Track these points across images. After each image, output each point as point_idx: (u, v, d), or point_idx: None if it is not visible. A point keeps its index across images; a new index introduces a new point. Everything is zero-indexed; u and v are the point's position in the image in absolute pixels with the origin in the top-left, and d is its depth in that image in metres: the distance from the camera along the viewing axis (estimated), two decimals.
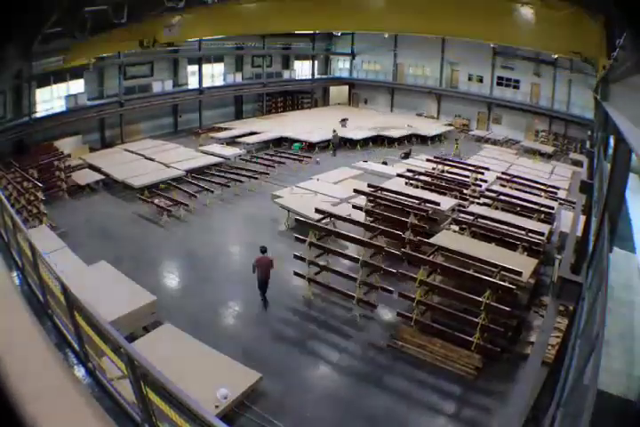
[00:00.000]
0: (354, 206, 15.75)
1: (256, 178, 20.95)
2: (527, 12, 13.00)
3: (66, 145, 24.18)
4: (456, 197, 16.94)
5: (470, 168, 20.22)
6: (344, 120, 31.72)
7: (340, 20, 18.22)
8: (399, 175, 19.03)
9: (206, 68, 33.01)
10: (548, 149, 30.09)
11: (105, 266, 11.85)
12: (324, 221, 14.06)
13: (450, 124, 34.79)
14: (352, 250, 13.78)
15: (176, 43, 26.17)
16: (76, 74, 26.10)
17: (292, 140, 28.33)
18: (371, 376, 9.82)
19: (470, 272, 10.86)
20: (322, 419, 8.68)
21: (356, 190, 16.87)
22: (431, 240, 12.41)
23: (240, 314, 12.03)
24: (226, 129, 29.97)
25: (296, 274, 12.69)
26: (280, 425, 8.19)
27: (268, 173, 21.62)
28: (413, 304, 10.84)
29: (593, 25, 11.05)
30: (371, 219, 14.93)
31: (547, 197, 17.80)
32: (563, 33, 12.25)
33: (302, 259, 12.56)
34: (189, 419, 4.25)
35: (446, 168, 21.05)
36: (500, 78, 33.70)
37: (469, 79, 35.30)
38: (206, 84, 32.94)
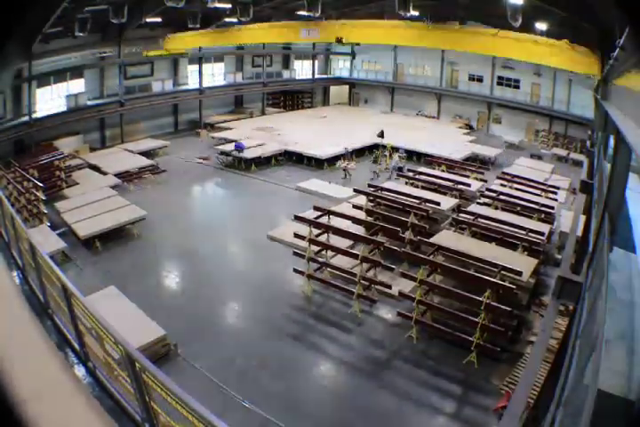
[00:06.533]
0: (354, 206, 15.74)
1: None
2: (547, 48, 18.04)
3: (66, 145, 24.18)
4: (456, 197, 16.94)
5: (471, 168, 20.23)
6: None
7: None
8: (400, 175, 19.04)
9: (206, 67, 33.00)
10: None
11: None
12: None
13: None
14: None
15: None
16: (76, 73, 26.11)
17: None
18: (370, 371, 9.84)
19: (470, 272, 10.87)
20: (323, 415, 8.71)
21: (356, 190, 16.87)
22: (431, 240, 12.42)
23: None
24: (226, 129, 29.90)
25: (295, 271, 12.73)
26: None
27: None
28: (414, 304, 10.85)
29: (590, 54, 15.75)
30: (371, 218, 14.93)
31: (547, 197, 17.79)
32: (571, 58, 17.13)
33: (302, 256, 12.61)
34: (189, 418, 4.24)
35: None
36: (500, 78, 33.69)
37: (469, 79, 35.28)
38: (206, 83, 32.94)
